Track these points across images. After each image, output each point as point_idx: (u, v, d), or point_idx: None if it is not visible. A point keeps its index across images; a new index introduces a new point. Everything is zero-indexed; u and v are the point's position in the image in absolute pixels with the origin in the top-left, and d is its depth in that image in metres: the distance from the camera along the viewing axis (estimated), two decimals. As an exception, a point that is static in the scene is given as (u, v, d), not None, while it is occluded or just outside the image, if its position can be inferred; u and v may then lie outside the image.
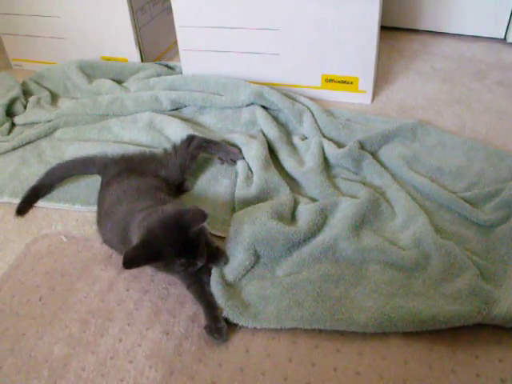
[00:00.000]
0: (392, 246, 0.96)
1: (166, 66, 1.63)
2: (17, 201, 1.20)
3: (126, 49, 1.64)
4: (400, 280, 0.92)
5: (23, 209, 1.19)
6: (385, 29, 1.53)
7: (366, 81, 1.39)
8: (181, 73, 1.57)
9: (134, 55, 1.65)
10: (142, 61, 1.66)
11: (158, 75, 1.55)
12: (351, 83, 1.40)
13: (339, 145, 1.23)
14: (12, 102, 1.54)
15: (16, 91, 1.57)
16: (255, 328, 0.88)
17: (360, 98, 1.42)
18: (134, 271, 0.99)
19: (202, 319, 0.90)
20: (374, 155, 1.20)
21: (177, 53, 1.56)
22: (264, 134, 1.28)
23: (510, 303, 0.85)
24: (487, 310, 0.84)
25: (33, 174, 1.26)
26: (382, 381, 0.79)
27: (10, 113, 1.52)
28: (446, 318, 0.84)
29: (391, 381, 0.79)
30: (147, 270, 0.99)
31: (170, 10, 1.49)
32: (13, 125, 1.49)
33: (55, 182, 1.22)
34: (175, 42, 1.52)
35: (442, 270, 0.92)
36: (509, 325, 0.84)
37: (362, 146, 1.20)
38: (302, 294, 0.91)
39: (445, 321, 0.83)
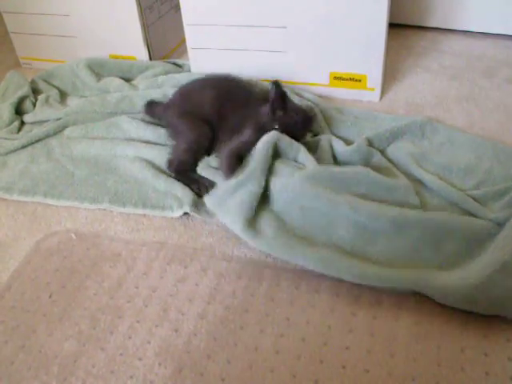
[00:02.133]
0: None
1: (175, 63, 1.63)
2: (27, 198, 1.21)
3: (135, 47, 1.64)
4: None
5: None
6: (393, 26, 1.53)
7: (375, 78, 1.39)
8: (189, 71, 1.57)
9: (142, 53, 1.65)
10: (151, 59, 1.66)
11: (167, 73, 1.55)
12: (359, 81, 1.40)
13: (348, 142, 1.22)
14: (21, 101, 1.54)
15: (25, 90, 1.57)
16: (264, 325, 0.88)
17: (368, 95, 1.42)
18: (143, 268, 1.00)
19: (211, 317, 0.90)
20: (382, 152, 1.19)
21: (185, 51, 1.56)
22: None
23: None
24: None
25: (42, 172, 1.27)
26: (390, 378, 0.79)
27: (19, 111, 1.52)
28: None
29: (400, 378, 0.79)
30: (156, 267, 1.00)
31: (177, 8, 1.49)
32: (22, 123, 1.49)
33: None
34: (183, 40, 1.52)
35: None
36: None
37: (370, 143, 1.20)
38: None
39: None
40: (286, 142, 1.11)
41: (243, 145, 1.13)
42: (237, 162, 1.11)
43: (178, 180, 1.17)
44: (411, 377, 0.79)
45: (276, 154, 1.11)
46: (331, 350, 0.84)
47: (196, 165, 1.19)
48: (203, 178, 1.16)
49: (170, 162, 1.20)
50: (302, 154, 1.11)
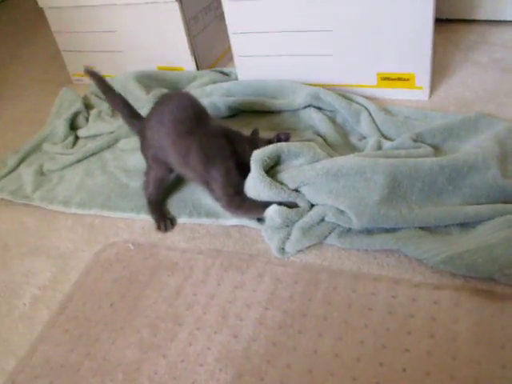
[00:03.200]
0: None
1: (222, 72, 1.66)
2: (84, 211, 1.24)
3: (182, 58, 1.67)
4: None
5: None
6: (439, 21, 1.50)
7: (423, 76, 1.37)
8: (236, 78, 1.59)
9: (189, 64, 1.68)
10: (198, 69, 1.69)
11: (214, 82, 1.57)
12: (407, 80, 1.38)
13: (398, 143, 1.22)
14: (75, 116, 1.60)
15: (78, 105, 1.63)
16: (322, 329, 0.88)
17: (417, 94, 1.40)
18: (201, 276, 1.01)
19: (270, 322, 0.91)
20: (436, 149, 1.17)
21: (231, 58, 1.58)
22: (321, 136, 1.27)
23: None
24: None
25: (97, 185, 1.30)
26: (453, 381, 0.78)
27: (73, 126, 1.58)
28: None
29: (463, 381, 0.78)
30: (213, 274, 1.01)
31: (221, 17, 1.50)
32: (76, 138, 1.54)
33: None
34: (229, 48, 1.54)
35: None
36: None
37: (421, 139, 1.18)
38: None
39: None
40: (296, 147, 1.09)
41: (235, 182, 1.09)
42: (242, 200, 1.08)
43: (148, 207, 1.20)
44: (474, 379, 0.78)
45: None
46: (391, 353, 0.83)
47: (164, 198, 1.21)
48: (169, 214, 1.18)
49: (144, 186, 1.23)
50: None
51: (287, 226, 1.04)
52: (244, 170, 1.07)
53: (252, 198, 1.06)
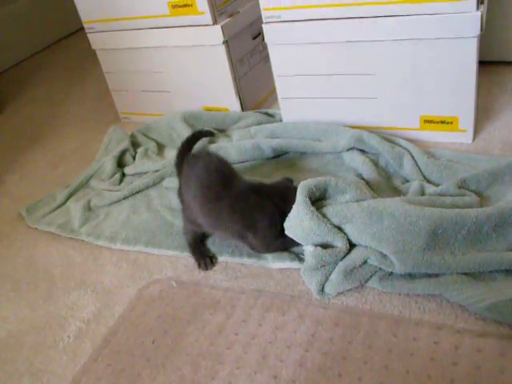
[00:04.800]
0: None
1: (266, 113, 1.68)
2: (129, 247, 1.27)
3: (227, 99, 1.71)
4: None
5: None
6: (483, 63, 1.50)
7: (467, 119, 1.37)
8: (280, 120, 1.61)
9: (234, 105, 1.71)
10: (243, 110, 1.72)
11: (259, 123, 1.60)
12: (451, 123, 1.39)
13: (441, 187, 1.21)
14: (122, 154, 1.64)
15: (126, 143, 1.67)
16: (362, 373, 0.87)
17: (460, 137, 1.40)
18: (242, 315, 1.02)
19: (310, 364, 0.91)
20: (480, 195, 1.16)
21: (275, 99, 1.61)
22: (364, 179, 1.28)
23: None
24: None
25: (143, 222, 1.33)
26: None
27: (120, 164, 1.62)
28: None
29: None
30: (255, 314, 1.02)
31: (267, 59, 1.54)
32: (123, 175, 1.58)
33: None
34: (274, 90, 1.57)
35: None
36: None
37: (466, 186, 1.17)
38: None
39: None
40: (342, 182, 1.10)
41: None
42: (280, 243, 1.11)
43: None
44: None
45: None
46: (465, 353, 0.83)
47: (203, 238, 1.23)
48: (209, 253, 1.20)
49: (184, 230, 1.25)
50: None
51: (323, 266, 1.04)
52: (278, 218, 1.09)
53: (291, 229, 1.07)
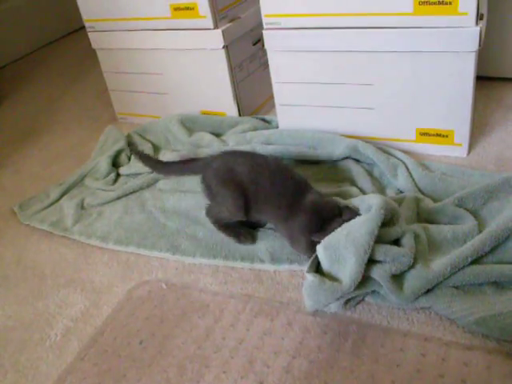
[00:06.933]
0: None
1: (263, 119, 1.69)
2: (121, 248, 1.27)
3: (225, 104, 1.71)
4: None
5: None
6: (481, 78, 1.51)
7: (462, 133, 1.38)
8: (277, 127, 1.62)
9: (232, 109, 1.72)
10: (240, 115, 1.73)
11: (255, 129, 1.60)
12: (446, 136, 1.39)
13: (434, 199, 1.21)
14: (117, 154, 1.64)
15: (121, 144, 1.67)
16: (349, 382, 0.87)
17: (455, 150, 1.41)
18: (230, 320, 1.02)
19: (296, 371, 0.90)
20: (475, 213, 1.14)
21: (273, 106, 1.62)
22: (358, 188, 1.28)
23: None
24: None
25: (135, 223, 1.33)
26: None
27: (115, 164, 1.62)
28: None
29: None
30: (243, 319, 1.02)
31: (266, 65, 1.55)
32: (118, 175, 1.58)
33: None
34: (271, 96, 1.57)
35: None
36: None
37: (462, 203, 1.16)
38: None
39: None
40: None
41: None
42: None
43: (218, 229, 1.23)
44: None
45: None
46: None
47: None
48: (243, 228, 1.21)
49: (208, 211, 1.25)
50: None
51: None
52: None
53: (326, 251, 1.01)
